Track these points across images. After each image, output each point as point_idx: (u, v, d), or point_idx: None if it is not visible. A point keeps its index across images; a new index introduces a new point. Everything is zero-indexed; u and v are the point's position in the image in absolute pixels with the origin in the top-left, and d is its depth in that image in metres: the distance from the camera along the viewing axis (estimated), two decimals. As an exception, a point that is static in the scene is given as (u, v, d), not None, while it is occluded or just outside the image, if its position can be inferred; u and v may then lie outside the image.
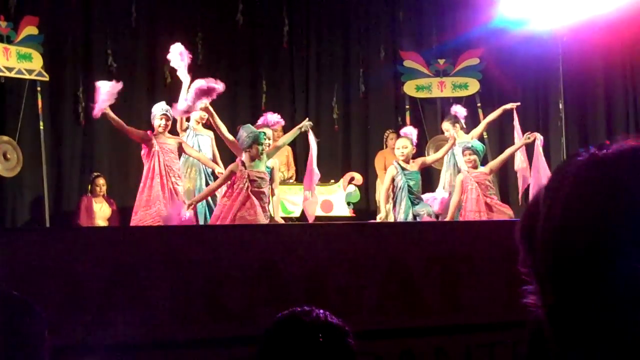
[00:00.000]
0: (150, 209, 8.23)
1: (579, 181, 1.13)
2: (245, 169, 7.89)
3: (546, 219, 1.14)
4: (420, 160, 9.46)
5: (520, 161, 9.59)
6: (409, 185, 9.10)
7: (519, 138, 9.60)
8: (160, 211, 8.12)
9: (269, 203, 8.19)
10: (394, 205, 9.29)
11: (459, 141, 9.70)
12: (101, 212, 10.19)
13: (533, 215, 1.19)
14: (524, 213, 1.26)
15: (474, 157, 9.08)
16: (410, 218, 8.97)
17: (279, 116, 9.60)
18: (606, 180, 1.11)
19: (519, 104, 10.04)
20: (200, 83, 8.45)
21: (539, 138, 9.35)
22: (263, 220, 7.58)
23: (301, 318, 2.29)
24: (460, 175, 9.29)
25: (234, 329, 4.58)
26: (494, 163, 9.40)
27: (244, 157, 7.97)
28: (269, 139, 8.91)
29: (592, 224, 1.08)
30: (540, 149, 9.29)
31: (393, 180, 9.23)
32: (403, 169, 9.17)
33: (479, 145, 9.28)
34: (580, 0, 10.17)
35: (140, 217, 8.24)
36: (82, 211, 10.11)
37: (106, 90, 8.56)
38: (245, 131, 8.13)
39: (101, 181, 10.36)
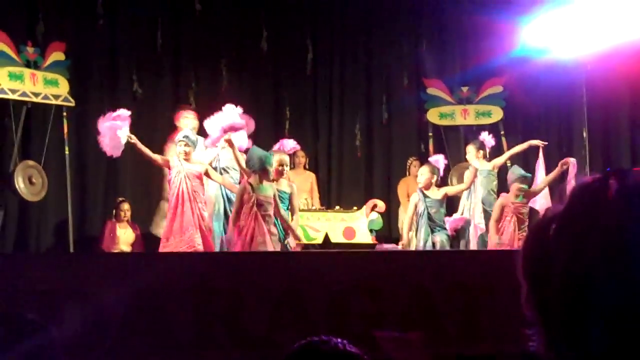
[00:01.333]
0: (184, 235, 8.23)
1: (615, 219, 1.03)
2: (253, 191, 7.88)
3: (572, 258, 1.04)
4: (444, 190, 9.46)
5: (544, 202, 9.54)
6: (428, 213, 9.11)
7: (542, 177, 9.59)
8: (194, 237, 8.12)
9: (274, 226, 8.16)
10: (416, 232, 9.29)
11: (481, 169, 9.71)
12: (125, 237, 10.23)
13: (542, 248, 1.09)
14: (526, 243, 1.14)
15: (524, 186, 9.13)
16: (429, 245, 8.96)
17: (294, 142, 9.61)
18: None
19: (546, 143, 10.03)
20: (225, 121, 8.52)
21: (571, 163, 9.34)
22: (271, 244, 7.53)
23: (319, 347, 2.27)
24: (501, 199, 9.30)
25: (256, 355, 4.59)
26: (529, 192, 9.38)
27: (252, 179, 7.96)
28: (286, 165, 8.90)
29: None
30: (573, 175, 9.26)
31: (416, 207, 9.24)
32: (425, 196, 9.18)
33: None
34: (604, 29, 10.15)
35: (175, 243, 8.23)
36: (106, 236, 10.15)
37: (106, 129, 8.61)
38: (255, 153, 8.14)
39: (126, 206, 10.40)
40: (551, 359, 1.06)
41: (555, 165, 11.11)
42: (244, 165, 8.47)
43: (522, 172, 9.40)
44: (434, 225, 9.11)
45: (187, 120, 9.79)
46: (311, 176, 11.10)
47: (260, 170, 7.95)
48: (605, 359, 1.00)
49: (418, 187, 9.33)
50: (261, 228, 7.61)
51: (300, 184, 10.66)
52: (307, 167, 11.39)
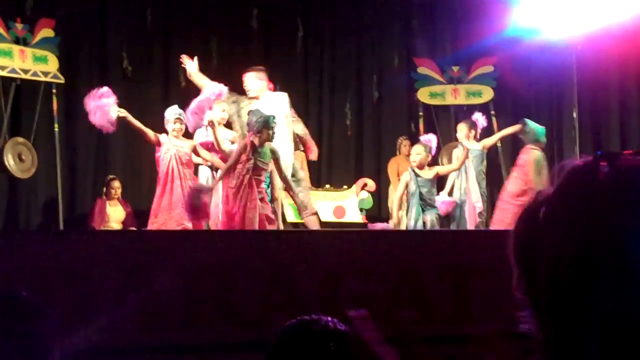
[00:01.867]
0: (172, 212, 8.21)
1: (604, 203, 1.02)
2: (253, 153, 7.78)
3: (557, 244, 1.04)
4: (435, 170, 9.47)
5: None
6: (420, 192, 9.12)
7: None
8: (182, 214, 8.06)
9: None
10: (407, 212, 9.31)
11: (471, 149, 9.72)
12: (115, 214, 10.22)
13: (531, 232, 1.09)
14: (517, 227, 1.13)
15: None
16: (420, 225, 8.98)
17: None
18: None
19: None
20: (195, 103, 8.44)
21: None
22: (259, 211, 7.42)
23: (310, 326, 2.28)
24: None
25: (246, 334, 4.59)
26: None
27: (255, 139, 7.84)
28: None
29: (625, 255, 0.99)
30: None
31: (407, 186, 9.25)
32: (417, 175, 9.19)
33: None
34: (595, 9, 10.14)
35: (163, 220, 8.21)
36: (96, 214, 10.14)
37: (95, 107, 8.54)
38: (255, 115, 8.04)
39: (116, 184, 10.38)
40: (542, 341, 1.06)
41: (545, 146, 11.16)
42: (222, 145, 8.39)
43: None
44: (424, 205, 9.13)
45: (249, 81, 9.38)
46: (300, 155, 11.10)
47: (263, 129, 7.80)
48: (592, 343, 1.00)
49: (410, 167, 9.34)
50: (253, 194, 7.53)
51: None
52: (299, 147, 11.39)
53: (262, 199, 7.67)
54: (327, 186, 10.91)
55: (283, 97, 9.05)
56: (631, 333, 0.99)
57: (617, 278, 0.99)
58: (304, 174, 9.22)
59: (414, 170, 9.23)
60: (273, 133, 7.93)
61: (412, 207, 9.16)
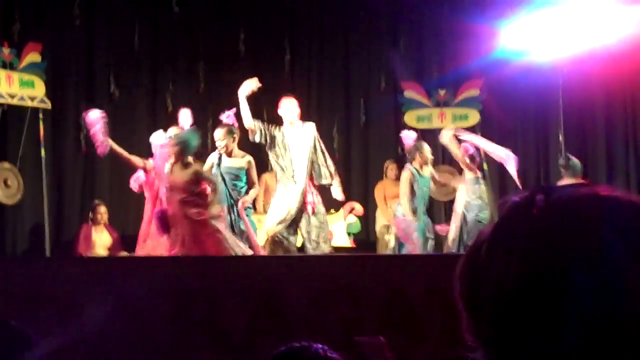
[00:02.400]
0: (161, 237, 8.10)
1: (539, 234, 1.02)
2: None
3: (496, 280, 1.03)
4: (430, 168, 9.51)
5: None
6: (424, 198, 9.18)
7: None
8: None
9: None
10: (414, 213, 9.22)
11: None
12: (101, 240, 10.14)
13: (474, 270, 1.08)
14: (460, 267, 1.11)
15: None
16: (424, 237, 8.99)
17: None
18: (570, 233, 1.02)
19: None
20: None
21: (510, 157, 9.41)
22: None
23: (300, 354, 2.27)
24: None
25: (235, 358, 4.58)
26: None
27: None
28: (221, 139, 8.76)
29: (558, 287, 0.99)
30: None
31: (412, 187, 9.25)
32: (420, 175, 9.23)
33: None
34: (581, 32, 10.21)
35: (152, 245, 8.12)
36: (81, 240, 10.06)
37: (97, 119, 8.57)
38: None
39: (102, 209, 10.29)
40: None
41: (532, 168, 11.20)
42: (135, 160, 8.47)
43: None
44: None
45: (289, 107, 9.33)
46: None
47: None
48: None
49: (410, 166, 9.34)
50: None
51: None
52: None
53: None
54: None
55: (311, 127, 8.98)
56: None
57: (553, 311, 0.99)
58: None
59: (417, 170, 9.31)
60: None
61: (420, 215, 9.17)
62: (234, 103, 11.91)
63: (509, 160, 9.44)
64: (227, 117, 9.03)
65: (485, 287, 1.04)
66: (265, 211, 10.65)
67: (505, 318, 1.02)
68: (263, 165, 11.51)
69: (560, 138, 11.39)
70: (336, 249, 10.14)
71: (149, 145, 10.37)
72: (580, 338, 0.98)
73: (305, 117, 12.38)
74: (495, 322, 1.03)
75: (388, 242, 10.67)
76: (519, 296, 1.01)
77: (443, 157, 11.60)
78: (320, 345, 2.30)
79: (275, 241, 8.10)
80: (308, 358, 2.24)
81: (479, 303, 1.05)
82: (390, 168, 11.32)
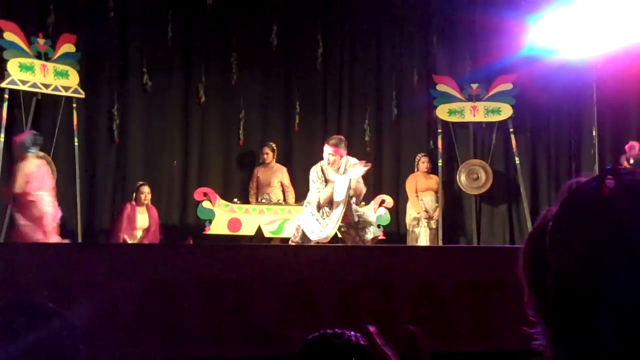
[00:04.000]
0: None
1: (609, 217, 1.03)
2: None
3: (562, 259, 1.04)
4: None
5: None
6: None
7: None
8: None
9: None
10: None
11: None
12: (141, 221, 10.30)
13: (539, 248, 1.09)
14: (525, 243, 1.14)
15: None
16: None
17: None
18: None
19: None
20: None
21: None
22: None
23: (333, 340, 2.28)
24: None
25: (266, 349, 4.60)
26: None
27: None
28: None
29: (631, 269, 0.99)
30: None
31: None
32: None
33: None
34: (615, 29, 10.13)
35: None
36: (125, 218, 10.21)
37: None
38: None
39: (146, 189, 10.46)
40: (552, 357, 1.06)
41: (564, 162, 11.13)
42: None
43: None
44: None
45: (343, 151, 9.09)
46: (281, 169, 11.23)
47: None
48: (600, 357, 1.00)
49: None
50: None
51: (267, 178, 11.09)
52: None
53: None
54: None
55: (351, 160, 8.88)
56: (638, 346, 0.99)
57: (622, 291, 0.99)
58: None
59: None
60: None
61: None
62: (266, 95, 12.01)
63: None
64: None
65: (549, 264, 1.06)
66: (256, 201, 11.00)
67: (565, 295, 1.03)
68: (256, 160, 11.64)
69: (594, 133, 11.32)
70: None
71: (182, 135, 10.53)
72: None
73: (337, 110, 12.41)
74: (557, 300, 1.04)
75: (418, 235, 10.70)
76: (581, 274, 1.02)
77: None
78: (353, 333, 2.31)
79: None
80: (340, 345, 2.25)
81: (541, 279, 1.07)
82: (422, 161, 11.33)
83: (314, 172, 8.61)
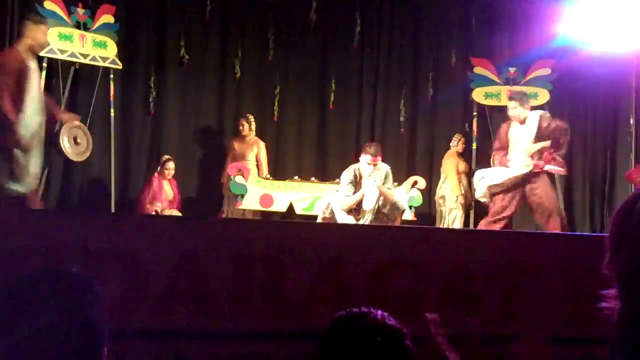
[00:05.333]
0: None
1: None
2: None
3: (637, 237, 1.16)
4: None
5: None
6: None
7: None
8: None
9: None
10: None
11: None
12: (166, 194, 10.53)
13: (627, 216, 1.21)
14: (616, 212, 1.27)
15: None
16: None
17: None
18: None
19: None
20: None
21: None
22: None
23: (359, 319, 2.29)
24: None
25: (295, 324, 4.61)
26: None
27: None
28: None
29: None
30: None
31: None
32: None
33: None
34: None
35: None
36: (156, 190, 10.46)
37: None
38: None
39: (171, 164, 10.69)
40: (620, 311, 1.18)
41: (600, 150, 11.03)
42: None
43: None
44: None
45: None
46: (257, 143, 11.21)
47: None
48: None
49: None
50: None
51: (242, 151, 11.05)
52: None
53: None
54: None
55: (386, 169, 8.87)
56: None
57: None
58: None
59: None
60: None
61: None
62: (302, 72, 11.99)
63: None
64: None
65: (630, 232, 1.19)
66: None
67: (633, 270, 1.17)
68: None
69: (632, 121, 11.22)
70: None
71: (216, 109, 10.54)
72: None
73: (373, 88, 12.37)
74: (630, 262, 1.17)
75: (454, 217, 10.72)
76: None
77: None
78: (380, 312, 2.32)
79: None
80: (367, 323, 2.26)
81: (621, 244, 1.20)
82: (462, 141, 11.37)
83: (347, 175, 8.55)
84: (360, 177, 8.53)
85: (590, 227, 11.90)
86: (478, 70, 11.79)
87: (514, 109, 8.93)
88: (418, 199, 10.60)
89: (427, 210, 11.54)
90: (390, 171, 8.65)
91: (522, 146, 8.87)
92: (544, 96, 11.53)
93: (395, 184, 10.54)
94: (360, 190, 8.41)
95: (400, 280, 4.83)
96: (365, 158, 8.48)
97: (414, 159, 12.36)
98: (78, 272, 2.00)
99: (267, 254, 4.61)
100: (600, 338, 2.37)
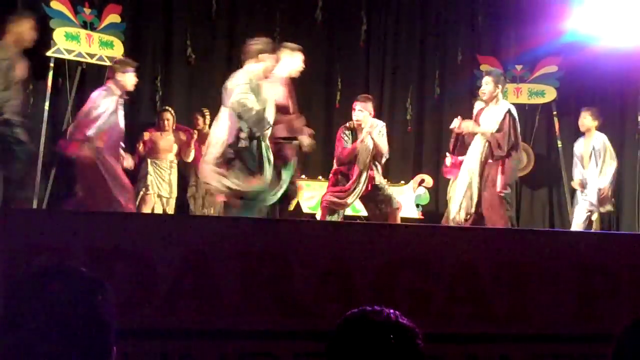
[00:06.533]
0: None
1: None
2: None
3: None
4: None
5: None
6: None
7: None
8: None
9: None
10: None
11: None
12: (164, 143, 10.58)
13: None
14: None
15: None
16: None
17: None
18: None
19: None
20: None
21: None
22: None
23: (372, 318, 2.28)
24: None
25: (302, 323, 4.62)
26: None
27: None
28: None
29: None
30: None
31: None
32: None
33: None
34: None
35: None
36: (145, 144, 10.53)
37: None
38: None
39: (167, 115, 10.62)
40: None
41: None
42: None
43: None
44: None
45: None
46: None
47: None
48: None
49: None
50: None
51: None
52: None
53: None
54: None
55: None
56: None
57: None
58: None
59: None
60: None
61: None
62: (309, 71, 11.97)
63: None
64: None
65: None
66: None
67: None
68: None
69: (639, 118, 11.20)
70: (404, 220, 10.14)
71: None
72: None
73: (379, 87, 12.36)
74: None
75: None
76: None
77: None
78: (392, 311, 2.31)
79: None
80: (379, 322, 2.25)
81: None
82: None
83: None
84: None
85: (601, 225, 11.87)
86: (484, 67, 11.74)
87: (487, 85, 8.83)
88: (425, 197, 10.59)
89: (434, 208, 11.51)
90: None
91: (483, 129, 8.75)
92: (551, 94, 11.51)
93: (402, 182, 10.57)
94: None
95: (407, 278, 4.84)
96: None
97: (421, 157, 12.34)
98: (87, 271, 2.01)
99: (274, 252, 4.63)
100: (607, 336, 2.37)
